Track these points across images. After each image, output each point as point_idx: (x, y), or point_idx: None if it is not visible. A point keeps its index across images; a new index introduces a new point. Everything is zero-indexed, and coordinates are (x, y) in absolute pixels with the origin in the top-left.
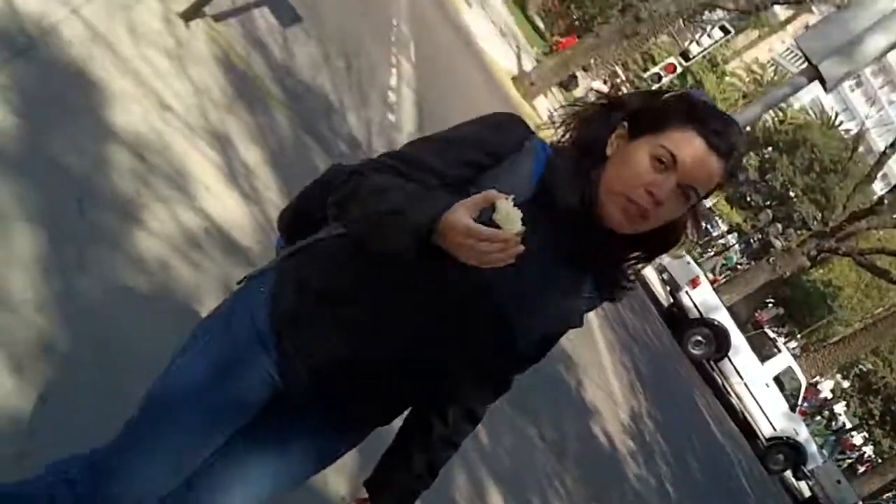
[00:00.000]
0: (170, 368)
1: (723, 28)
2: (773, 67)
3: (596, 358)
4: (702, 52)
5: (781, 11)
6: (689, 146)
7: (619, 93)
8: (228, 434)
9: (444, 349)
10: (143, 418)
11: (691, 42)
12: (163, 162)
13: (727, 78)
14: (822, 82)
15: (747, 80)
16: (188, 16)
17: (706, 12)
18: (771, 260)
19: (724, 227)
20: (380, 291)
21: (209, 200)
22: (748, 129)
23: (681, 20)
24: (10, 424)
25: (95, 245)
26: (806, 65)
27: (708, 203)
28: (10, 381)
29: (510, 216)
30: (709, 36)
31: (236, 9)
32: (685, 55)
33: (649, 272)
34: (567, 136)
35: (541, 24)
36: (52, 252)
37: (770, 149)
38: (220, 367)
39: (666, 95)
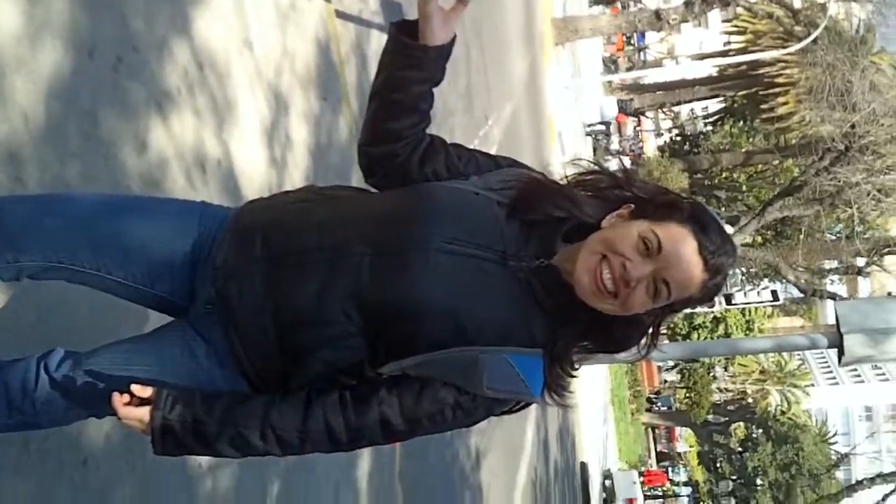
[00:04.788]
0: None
1: (774, 293)
2: (800, 360)
3: None
4: (744, 304)
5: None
6: (679, 242)
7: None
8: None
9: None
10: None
11: (741, 289)
12: (217, 83)
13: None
14: (840, 354)
15: (771, 357)
16: None
17: (767, 274)
18: None
19: (684, 478)
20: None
21: (237, 141)
22: (752, 400)
23: (742, 273)
24: None
25: (110, 105)
26: (833, 331)
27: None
28: None
29: None
30: (758, 293)
31: (360, 18)
32: (728, 298)
33: (594, 472)
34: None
35: None
36: (69, 88)
37: (761, 431)
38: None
39: (679, 195)
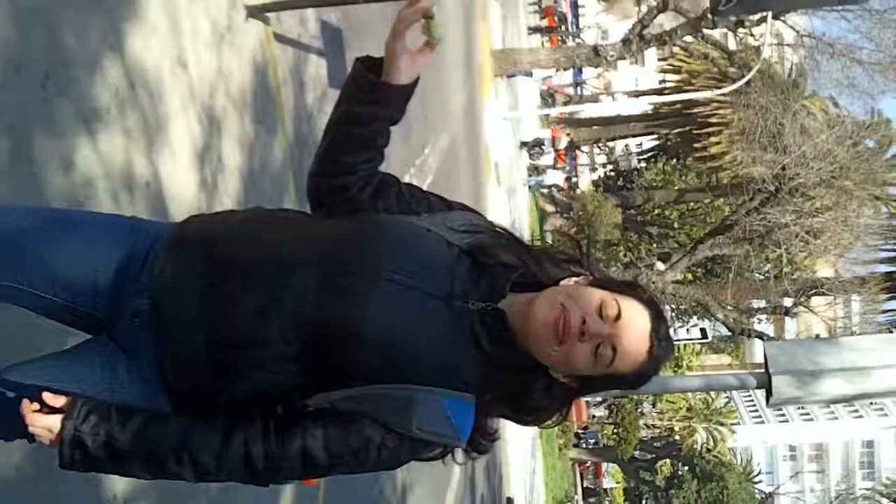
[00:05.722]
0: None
1: (703, 331)
2: (726, 398)
3: None
4: (673, 340)
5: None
6: (638, 316)
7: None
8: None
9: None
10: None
11: (670, 327)
12: (148, 103)
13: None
14: (768, 394)
15: (698, 394)
16: (253, 12)
17: (697, 312)
18: None
19: None
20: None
21: (167, 163)
22: (679, 437)
23: (672, 309)
24: None
25: (37, 123)
26: (761, 371)
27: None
28: None
29: (437, 21)
30: (687, 331)
31: (299, 42)
32: None
33: None
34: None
35: (549, 239)
36: None
37: (687, 468)
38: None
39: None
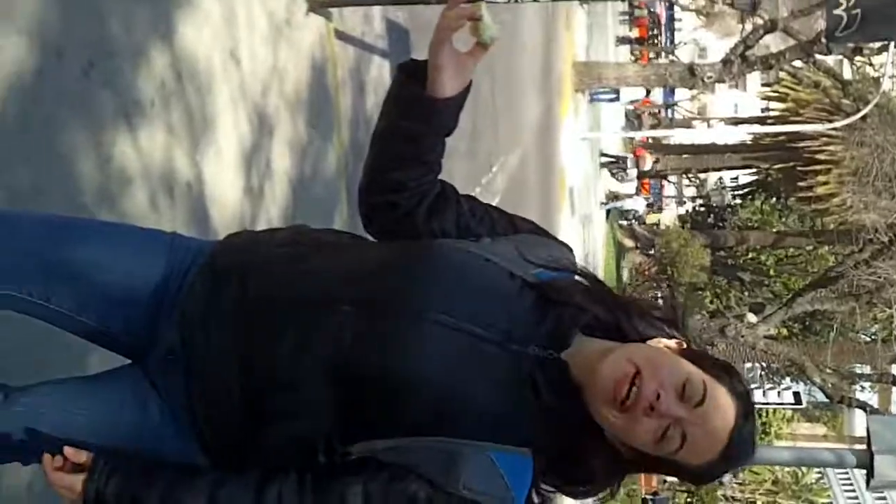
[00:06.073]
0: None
1: (796, 395)
2: (819, 473)
3: None
4: (762, 404)
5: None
6: (722, 409)
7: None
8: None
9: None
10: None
11: (760, 387)
12: (195, 98)
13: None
14: (869, 475)
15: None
16: (314, 6)
17: (791, 373)
18: None
19: None
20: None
21: (212, 164)
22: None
23: (763, 368)
24: None
25: (75, 113)
26: (862, 448)
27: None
28: None
29: (486, 23)
30: (779, 394)
31: (362, 41)
32: None
33: None
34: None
35: (624, 277)
36: (32, 90)
37: None
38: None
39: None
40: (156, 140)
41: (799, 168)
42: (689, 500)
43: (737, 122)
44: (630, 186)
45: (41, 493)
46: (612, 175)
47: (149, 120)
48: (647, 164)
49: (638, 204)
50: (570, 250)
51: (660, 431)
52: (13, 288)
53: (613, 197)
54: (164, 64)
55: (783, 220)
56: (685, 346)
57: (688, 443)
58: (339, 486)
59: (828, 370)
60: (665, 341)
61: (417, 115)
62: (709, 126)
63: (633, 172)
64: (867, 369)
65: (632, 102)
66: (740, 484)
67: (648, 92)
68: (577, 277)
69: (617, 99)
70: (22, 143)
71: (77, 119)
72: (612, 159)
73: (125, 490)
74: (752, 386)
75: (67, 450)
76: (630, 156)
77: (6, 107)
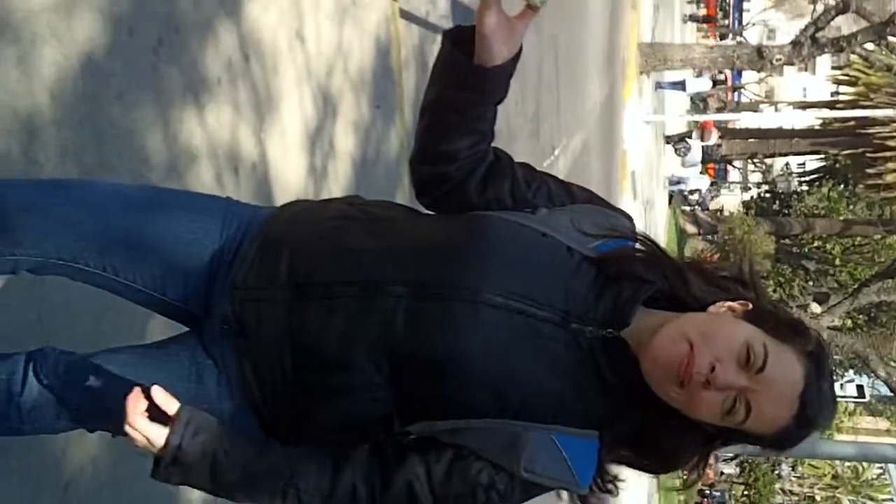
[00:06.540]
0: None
1: (860, 388)
2: (880, 469)
3: None
4: None
5: None
6: (788, 373)
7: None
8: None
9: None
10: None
11: None
12: (261, 77)
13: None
14: None
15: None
16: None
17: (854, 366)
18: None
19: None
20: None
21: (276, 143)
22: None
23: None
24: None
25: (144, 90)
26: None
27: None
28: None
29: None
30: (842, 386)
31: (427, 21)
32: None
33: None
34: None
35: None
36: (103, 66)
37: None
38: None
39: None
40: (222, 118)
41: (868, 154)
42: (745, 492)
43: (805, 106)
44: (694, 168)
45: (76, 460)
46: (676, 152)
47: (215, 98)
48: (713, 138)
49: (701, 183)
50: (630, 218)
51: (725, 404)
52: (67, 255)
53: (677, 181)
54: (231, 42)
55: (851, 207)
56: (751, 306)
57: (754, 411)
58: (402, 468)
59: (893, 363)
60: (728, 304)
61: (466, 83)
62: (776, 110)
63: (696, 145)
64: None
65: (696, 98)
66: (799, 478)
67: (715, 83)
68: (636, 245)
69: (683, 89)
70: (92, 121)
71: (146, 96)
72: (678, 138)
73: (210, 450)
74: None
75: (158, 392)
76: (693, 130)
77: (77, 84)
